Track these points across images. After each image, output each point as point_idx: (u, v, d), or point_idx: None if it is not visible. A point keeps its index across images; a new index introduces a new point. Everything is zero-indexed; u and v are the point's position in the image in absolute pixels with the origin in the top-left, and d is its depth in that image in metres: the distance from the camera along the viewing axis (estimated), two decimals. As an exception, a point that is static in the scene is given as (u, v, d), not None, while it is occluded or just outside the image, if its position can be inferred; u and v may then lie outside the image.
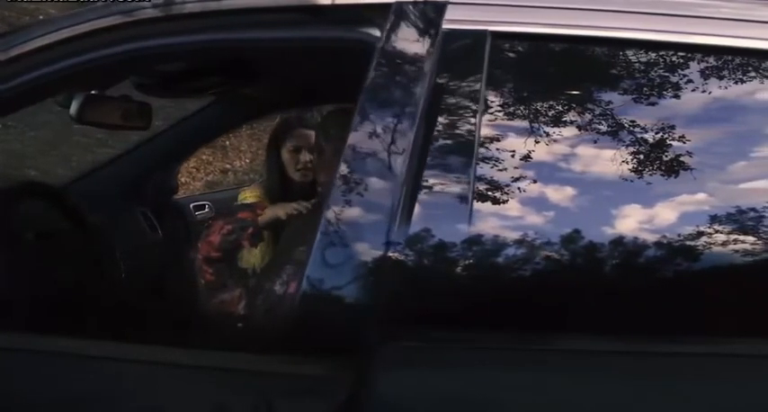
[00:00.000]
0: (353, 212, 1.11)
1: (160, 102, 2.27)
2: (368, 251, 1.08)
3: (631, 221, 1.08)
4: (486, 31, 1.17)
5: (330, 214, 1.10)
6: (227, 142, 6.21)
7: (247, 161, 6.45)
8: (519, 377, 1.08)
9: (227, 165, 6.35)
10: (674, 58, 1.17)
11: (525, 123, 1.15)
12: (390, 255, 1.07)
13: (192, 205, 2.98)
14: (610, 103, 1.15)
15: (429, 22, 1.18)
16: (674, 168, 1.10)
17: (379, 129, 1.13)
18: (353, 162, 1.12)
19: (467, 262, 1.08)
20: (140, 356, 1.19)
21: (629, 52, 1.18)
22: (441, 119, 1.13)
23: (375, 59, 1.17)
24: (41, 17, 6.10)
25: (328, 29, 1.26)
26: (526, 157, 1.12)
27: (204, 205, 3.01)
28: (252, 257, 1.99)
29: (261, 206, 2.03)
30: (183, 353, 1.16)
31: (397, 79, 1.16)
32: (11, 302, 1.56)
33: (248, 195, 2.29)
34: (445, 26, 1.18)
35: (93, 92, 1.97)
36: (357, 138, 1.13)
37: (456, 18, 1.18)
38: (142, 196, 2.68)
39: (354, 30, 1.23)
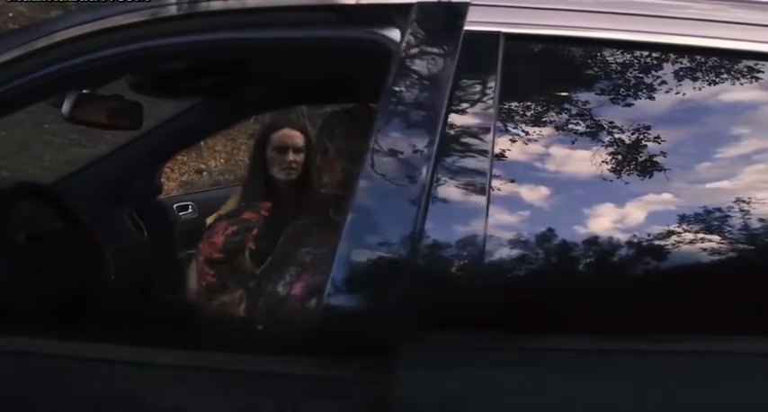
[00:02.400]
0: (377, 214, 1.11)
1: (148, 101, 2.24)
2: (392, 253, 1.08)
3: (652, 216, 1.10)
4: (499, 32, 1.18)
5: (353, 216, 1.10)
6: (202, 142, 6.15)
7: (222, 161, 6.40)
8: (547, 378, 1.09)
9: (202, 166, 6.30)
10: (689, 62, 1.18)
11: (540, 125, 1.16)
12: (414, 256, 1.07)
13: (175, 206, 2.97)
14: (624, 104, 1.16)
15: (451, 24, 1.18)
16: (706, 168, 1.13)
17: (401, 131, 1.13)
18: (376, 163, 1.12)
19: (489, 263, 1.08)
20: (156, 360, 1.18)
21: (644, 54, 1.19)
22: (460, 121, 1.14)
23: (397, 60, 1.17)
24: (11, 15, 6.00)
25: (345, 29, 1.25)
26: (542, 159, 1.14)
27: (187, 205, 3.01)
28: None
29: (265, 207, 2.03)
30: (209, 356, 1.15)
31: (419, 81, 1.15)
32: (6, 304, 1.54)
33: (215, 215, 2.29)
34: (465, 28, 1.18)
35: (84, 91, 1.95)
36: (379, 139, 1.13)
37: (474, 20, 1.19)
38: (127, 197, 2.66)
39: (372, 31, 1.22)
